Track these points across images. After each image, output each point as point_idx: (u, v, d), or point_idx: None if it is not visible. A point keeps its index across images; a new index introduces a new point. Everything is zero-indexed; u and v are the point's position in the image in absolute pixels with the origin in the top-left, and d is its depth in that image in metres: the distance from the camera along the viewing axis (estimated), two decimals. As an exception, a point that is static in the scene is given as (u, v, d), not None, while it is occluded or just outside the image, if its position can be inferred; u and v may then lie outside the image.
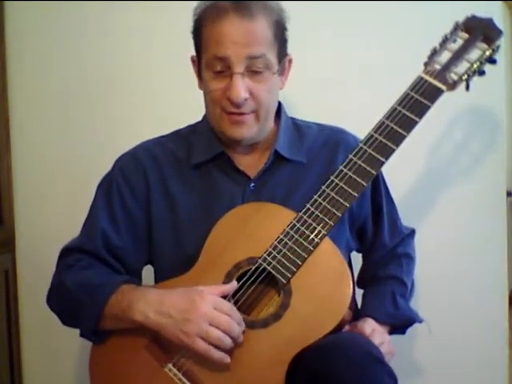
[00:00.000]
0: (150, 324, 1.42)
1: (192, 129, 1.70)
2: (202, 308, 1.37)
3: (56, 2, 2.15)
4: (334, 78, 2.07)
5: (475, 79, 1.49)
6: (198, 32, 1.53)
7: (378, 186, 1.68)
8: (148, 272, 1.68)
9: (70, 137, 2.22)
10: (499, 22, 1.52)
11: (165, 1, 2.10)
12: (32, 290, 2.25)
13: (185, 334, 1.38)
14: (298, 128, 1.67)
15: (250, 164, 1.62)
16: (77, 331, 1.57)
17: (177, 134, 1.70)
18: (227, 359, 1.38)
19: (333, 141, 1.66)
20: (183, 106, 2.04)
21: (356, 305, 1.66)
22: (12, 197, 2.25)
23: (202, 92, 1.63)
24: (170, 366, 1.44)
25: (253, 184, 1.59)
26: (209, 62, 1.49)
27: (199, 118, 1.69)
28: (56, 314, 1.60)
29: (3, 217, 2.22)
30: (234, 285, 1.44)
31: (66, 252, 1.62)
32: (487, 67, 1.50)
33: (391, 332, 1.64)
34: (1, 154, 2.21)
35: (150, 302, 1.43)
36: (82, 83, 2.19)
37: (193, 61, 1.59)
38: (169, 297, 1.43)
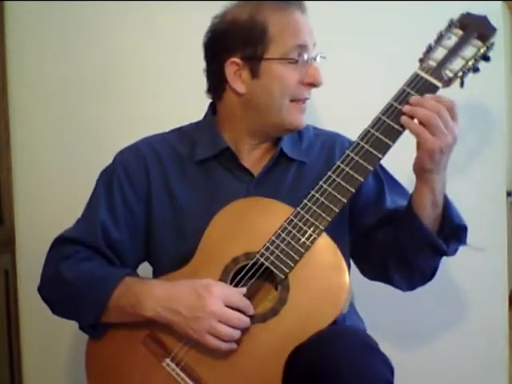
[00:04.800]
0: (161, 319, 1.43)
1: (194, 126, 1.70)
2: (210, 305, 1.39)
3: (56, 2, 2.15)
4: (330, 75, 2.07)
5: (475, 79, 1.50)
6: (259, 29, 1.52)
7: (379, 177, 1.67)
8: (148, 269, 1.69)
9: (70, 137, 2.22)
10: (499, 22, 1.52)
11: (165, 0, 2.11)
12: (32, 290, 2.22)
13: (194, 332, 1.40)
14: None
15: (254, 162, 1.63)
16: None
17: (179, 131, 1.71)
18: (234, 346, 1.41)
19: (329, 143, 1.69)
20: (183, 105, 2.05)
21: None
22: (12, 197, 2.25)
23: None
24: (168, 360, 1.45)
25: (256, 182, 1.60)
26: (287, 52, 1.52)
27: (199, 117, 1.70)
28: (48, 304, 1.60)
29: (3, 217, 2.22)
30: (242, 290, 1.45)
31: (62, 242, 1.61)
32: (487, 67, 1.50)
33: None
34: (1, 154, 2.21)
35: (158, 297, 1.44)
36: (82, 83, 2.20)
37: (235, 63, 1.55)
38: (176, 291, 1.44)
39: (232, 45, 1.55)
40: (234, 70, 1.55)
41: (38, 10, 2.18)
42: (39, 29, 2.20)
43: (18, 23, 2.20)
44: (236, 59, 1.55)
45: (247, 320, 1.41)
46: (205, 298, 1.39)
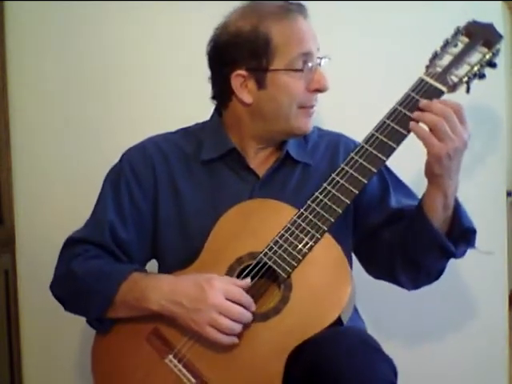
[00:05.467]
0: (165, 312, 1.45)
1: (201, 126, 1.71)
2: (211, 298, 1.40)
3: (56, 2, 2.15)
4: (335, 80, 2.07)
5: (475, 81, 1.50)
6: (263, 40, 1.51)
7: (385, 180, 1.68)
8: (152, 267, 1.69)
9: (70, 137, 2.21)
10: (499, 22, 1.52)
11: (165, 0, 2.10)
12: (32, 290, 2.24)
13: (195, 323, 1.42)
14: None
15: (260, 163, 1.64)
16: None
17: (185, 131, 1.71)
18: (236, 341, 1.41)
19: (333, 144, 1.69)
20: (183, 105, 2.06)
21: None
22: (12, 197, 2.24)
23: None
24: (171, 357, 1.47)
25: (260, 183, 1.61)
26: (292, 61, 1.52)
27: (199, 117, 1.70)
28: (60, 300, 1.61)
29: (3, 217, 2.22)
30: (247, 282, 1.45)
31: (72, 242, 1.62)
32: (487, 69, 1.50)
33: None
34: (1, 154, 2.20)
35: (163, 291, 1.46)
36: (82, 83, 2.19)
37: (241, 75, 1.55)
38: (180, 284, 1.46)
39: (236, 57, 1.54)
40: (240, 82, 1.55)
41: (38, 10, 2.17)
42: (39, 29, 2.19)
43: (18, 23, 2.19)
44: (241, 71, 1.54)
45: (249, 315, 1.42)
46: (206, 291, 1.41)
